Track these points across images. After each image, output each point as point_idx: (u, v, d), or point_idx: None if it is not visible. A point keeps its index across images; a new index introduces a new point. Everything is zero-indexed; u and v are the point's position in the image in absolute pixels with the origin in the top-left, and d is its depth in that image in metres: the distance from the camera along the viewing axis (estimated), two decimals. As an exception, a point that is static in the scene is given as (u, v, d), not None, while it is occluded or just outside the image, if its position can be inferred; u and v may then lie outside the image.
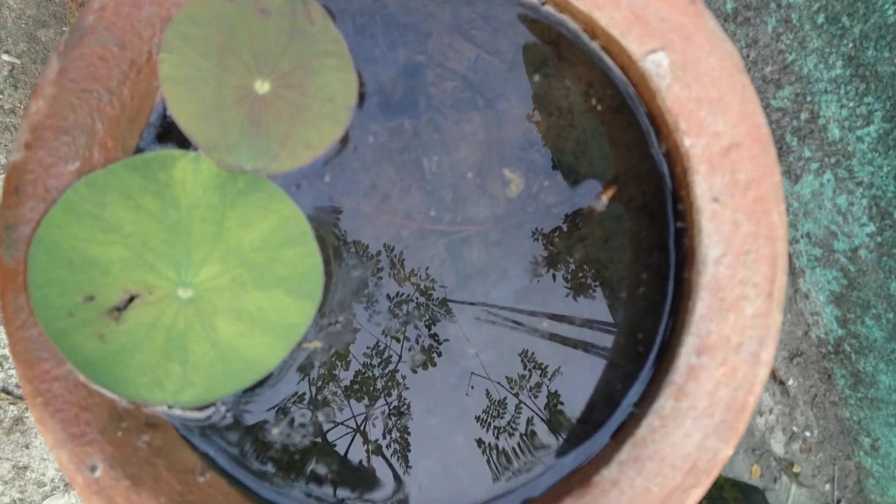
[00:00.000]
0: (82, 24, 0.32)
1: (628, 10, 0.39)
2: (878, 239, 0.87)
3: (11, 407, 0.81)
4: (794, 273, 1.04)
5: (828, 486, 1.11)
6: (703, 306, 0.40)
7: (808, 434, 1.11)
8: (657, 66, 0.39)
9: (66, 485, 0.83)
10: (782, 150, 0.97)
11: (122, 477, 0.33)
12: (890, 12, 0.76)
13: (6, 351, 0.80)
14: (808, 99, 0.90)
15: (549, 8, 0.43)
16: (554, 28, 0.45)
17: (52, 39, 0.84)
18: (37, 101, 0.32)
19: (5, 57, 0.83)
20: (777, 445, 1.10)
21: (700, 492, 0.38)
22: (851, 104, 0.84)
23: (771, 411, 1.10)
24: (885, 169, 0.82)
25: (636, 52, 0.40)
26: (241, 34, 0.36)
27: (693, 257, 0.41)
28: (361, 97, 0.43)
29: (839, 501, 1.12)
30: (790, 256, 1.02)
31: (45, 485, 0.83)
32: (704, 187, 0.40)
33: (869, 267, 0.90)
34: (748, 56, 0.96)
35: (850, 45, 0.81)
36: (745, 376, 0.39)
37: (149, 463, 0.34)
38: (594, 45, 0.43)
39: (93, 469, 0.33)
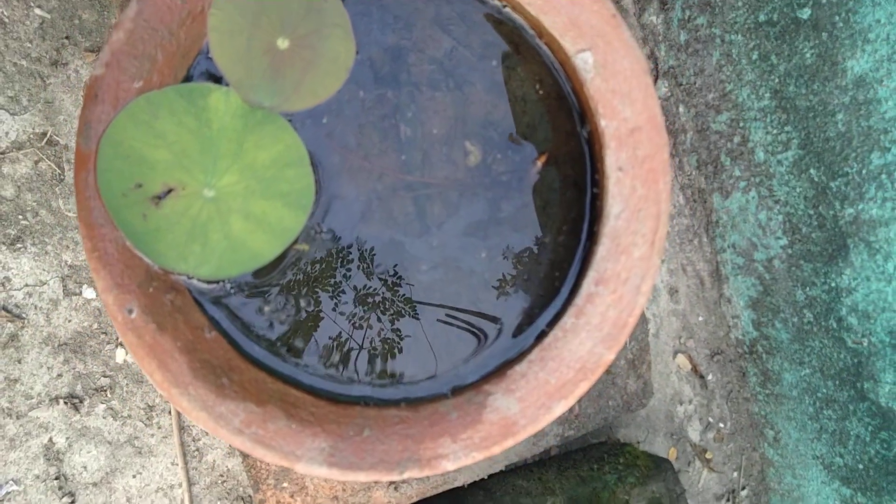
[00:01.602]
0: (157, -20, 0.44)
1: (566, 16, 0.51)
2: (790, 251, 0.98)
3: (9, 324, 0.90)
4: (719, 279, 1.16)
5: (735, 474, 1.22)
6: (603, 249, 0.52)
7: (721, 426, 1.22)
8: (585, 62, 0.52)
9: (50, 399, 0.91)
10: (717, 168, 1.09)
11: (151, 321, 0.44)
12: (808, 55, 0.88)
13: (8, 273, 0.89)
14: (741, 125, 1.02)
15: (508, 10, 0.55)
16: (514, 28, 0.57)
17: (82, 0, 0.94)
18: (118, 32, 0.43)
19: (37, 11, 0.92)
20: (694, 433, 1.21)
21: (586, 385, 0.50)
22: (775, 131, 0.96)
23: (690, 402, 1.22)
24: (798, 189, 0.94)
25: (570, 49, 0.52)
26: (271, 2, 0.48)
27: (601, 213, 0.53)
28: (355, 62, 0.55)
29: (744, 488, 1.22)
30: (718, 265, 1.15)
31: (32, 397, 0.91)
32: (613, 159, 0.52)
33: (781, 276, 1.01)
34: (695, 83, 1.09)
35: (777, 80, 0.94)
36: (628, 302, 0.51)
37: (171, 316, 0.45)
38: (542, 44, 0.56)
39: (130, 311, 0.44)
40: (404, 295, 0.54)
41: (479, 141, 0.60)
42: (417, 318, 0.54)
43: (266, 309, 0.51)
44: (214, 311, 0.49)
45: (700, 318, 1.21)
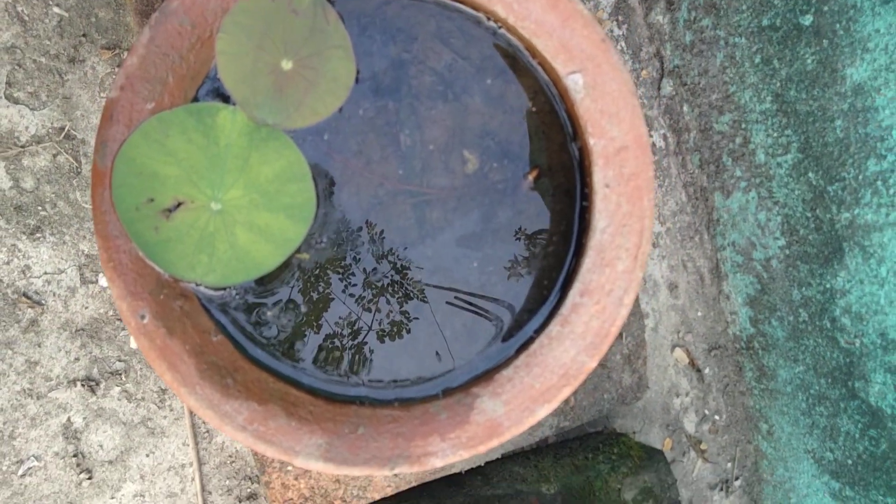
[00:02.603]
0: (168, 7, 0.47)
1: (558, 40, 0.53)
2: (787, 252, 1.00)
3: (29, 310, 0.94)
4: (719, 276, 1.18)
5: (729, 465, 1.25)
6: (589, 262, 0.55)
7: (717, 418, 1.24)
8: (575, 83, 0.54)
9: (68, 382, 0.95)
10: (719, 167, 1.11)
11: (161, 326, 0.48)
12: (809, 61, 0.90)
13: (28, 262, 0.93)
14: (743, 126, 1.03)
15: (503, 32, 0.58)
16: (510, 46, 0.59)
17: (99, -1, 0.96)
18: (132, 58, 0.47)
19: (56, 9, 0.95)
20: (689, 425, 1.24)
21: (569, 390, 0.53)
22: (775, 134, 0.97)
23: (687, 394, 1.24)
24: (797, 192, 0.96)
25: (561, 71, 0.54)
26: (276, 26, 0.51)
27: (588, 227, 0.56)
28: (356, 81, 0.57)
29: (737, 478, 1.25)
30: (718, 262, 1.17)
31: (51, 379, 0.95)
32: (601, 176, 0.55)
33: (778, 275, 1.03)
34: (699, 83, 1.10)
35: (778, 84, 0.95)
36: (611, 313, 0.54)
37: (180, 321, 0.49)
38: (535, 63, 0.58)
39: (142, 317, 0.47)
40: (400, 300, 0.57)
41: (478, 150, 0.62)
42: (412, 322, 0.57)
43: (269, 314, 0.54)
44: (220, 316, 0.53)
45: (699, 314, 1.23)
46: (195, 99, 0.51)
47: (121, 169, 0.47)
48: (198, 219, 0.50)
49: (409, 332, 0.57)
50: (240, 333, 0.53)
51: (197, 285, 0.52)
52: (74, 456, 0.98)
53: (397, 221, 0.58)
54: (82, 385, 0.97)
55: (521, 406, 0.52)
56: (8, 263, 0.94)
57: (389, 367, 0.56)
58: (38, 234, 0.94)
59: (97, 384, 0.98)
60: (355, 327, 0.56)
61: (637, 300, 1.02)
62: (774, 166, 1.00)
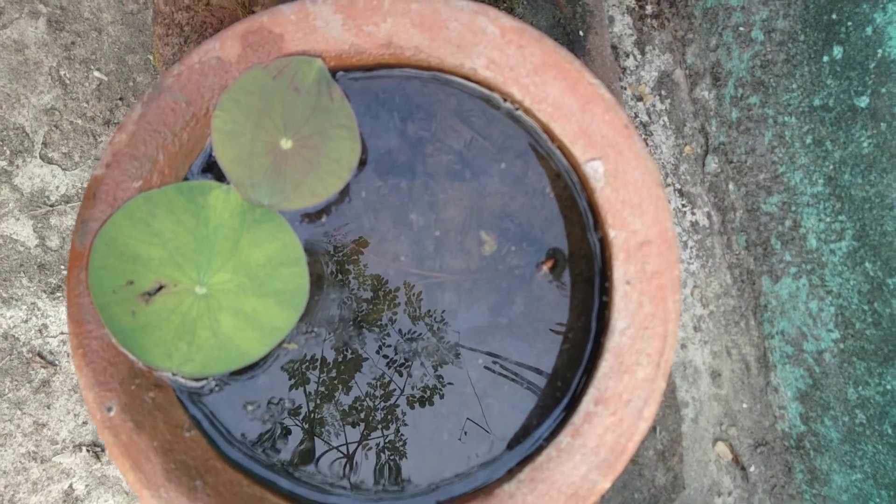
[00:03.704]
0: (162, 83, 0.45)
1: (577, 125, 0.49)
2: (841, 346, 0.93)
3: (42, 370, 0.93)
4: (766, 366, 1.10)
5: (777, 577, 1.14)
6: (606, 366, 0.49)
7: (764, 522, 1.14)
8: (595, 171, 0.50)
9: (74, 447, 0.93)
10: (767, 250, 1.04)
11: (129, 420, 0.44)
12: (865, 144, 0.84)
13: (46, 321, 0.92)
14: (793, 209, 0.97)
15: (520, 113, 0.54)
16: (529, 128, 0.56)
17: (137, 64, 0.98)
18: (120, 134, 0.45)
19: (96, 73, 0.97)
20: (733, 528, 1.14)
21: (576, 515, 0.47)
22: (828, 219, 0.91)
23: (730, 494, 1.15)
24: (852, 282, 0.89)
25: (580, 157, 0.50)
26: (276, 104, 0.48)
27: (607, 326, 0.51)
28: (363, 162, 0.54)
29: None
30: (765, 351, 1.09)
31: (57, 443, 0.93)
32: (621, 271, 0.50)
33: (831, 370, 0.96)
34: (746, 162, 1.05)
35: (831, 166, 0.89)
36: (628, 426, 0.48)
37: (150, 414, 0.45)
38: (554, 147, 0.54)
39: (109, 409, 0.44)
40: (396, 399, 0.53)
41: (496, 231, 0.58)
42: (408, 425, 0.52)
43: (249, 408, 0.50)
44: (196, 410, 0.49)
45: (744, 406, 1.14)
46: (186, 178, 0.49)
47: (100, 250, 0.44)
48: (180, 303, 0.47)
49: (403, 435, 0.52)
50: (215, 430, 0.49)
51: (173, 375, 0.48)
52: (74, 525, 0.95)
53: (398, 309, 0.54)
54: (87, 451, 0.95)
55: (521, 530, 0.46)
56: (26, 322, 0.93)
57: (379, 473, 0.51)
58: (58, 294, 0.94)
59: (102, 450, 0.95)
60: (344, 427, 0.51)
61: (674, 389, 0.95)
62: (827, 253, 0.93)
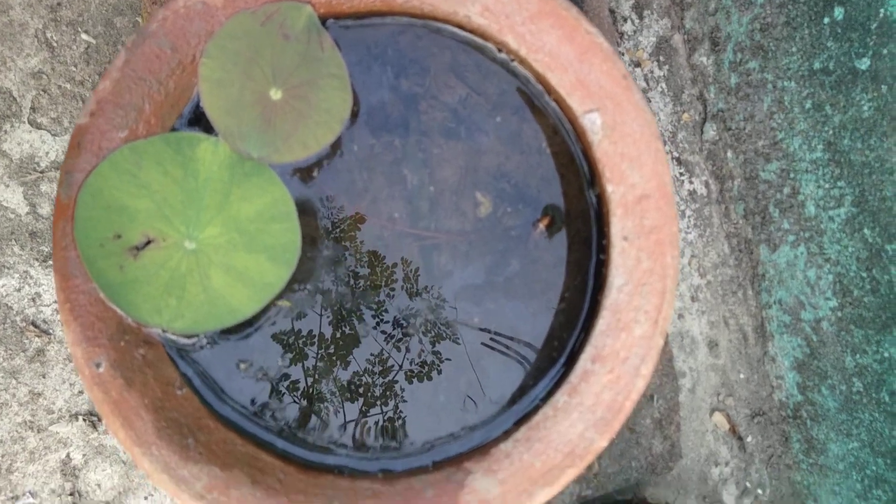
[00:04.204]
0: (147, 29, 0.43)
1: (574, 75, 0.48)
2: (839, 314, 0.92)
3: (36, 339, 0.92)
4: (764, 336, 1.10)
5: (773, 545, 1.14)
6: (603, 323, 0.48)
7: (759, 492, 1.14)
8: (592, 123, 0.48)
9: (70, 416, 0.92)
10: (765, 219, 1.03)
11: (119, 376, 0.43)
12: (865, 108, 0.83)
13: (39, 289, 0.91)
14: (792, 175, 0.96)
15: (516, 64, 0.53)
16: (525, 82, 0.54)
17: (126, 26, 0.96)
18: (104, 82, 0.43)
19: (84, 36, 0.95)
20: (729, 498, 1.14)
21: (574, 472, 0.46)
22: (827, 185, 0.90)
23: (727, 464, 1.15)
24: (850, 249, 0.88)
25: (577, 109, 0.49)
26: (265, 51, 0.47)
27: (604, 284, 0.50)
28: (354, 115, 0.53)
29: None
30: (763, 320, 1.09)
31: (53, 412, 0.92)
32: (619, 227, 0.49)
33: (829, 339, 0.95)
34: (744, 129, 1.03)
35: (830, 131, 0.88)
36: (625, 384, 0.47)
37: (140, 371, 0.44)
38: (551, 101, 0.53)
39: (98, 366, 0.43)
40: (392, 358, 0.52)
41: (492, 192, 0.57)
42: (403, 384, 0.51)
43: (242, 366, 0.49)
44: (187, 367, 0.48)
45: (741, 376, 1.14)
46: (174, 129, 0.48)
47: (85, 201, 0.43)
48: (169, 258, 0.46)
49: (399, 394, 0.51)
50: (207, 388, 0.48)
51: (163, 332, 0.47)
52: (71, 494, 0.95)
53: (392, 268, 0.53)
54: (84, 420, 0.94)
55: (517, 487, 0.46)
56: (19, 290, 0.92)
57: (376, 431, 0.50)
58: (51, 262, 0.92)
59: (99, 420, 0.94)
60: (340, 385, 0.50)
61: (671, 359, 0.94)
62: (826, 220, 0.93)
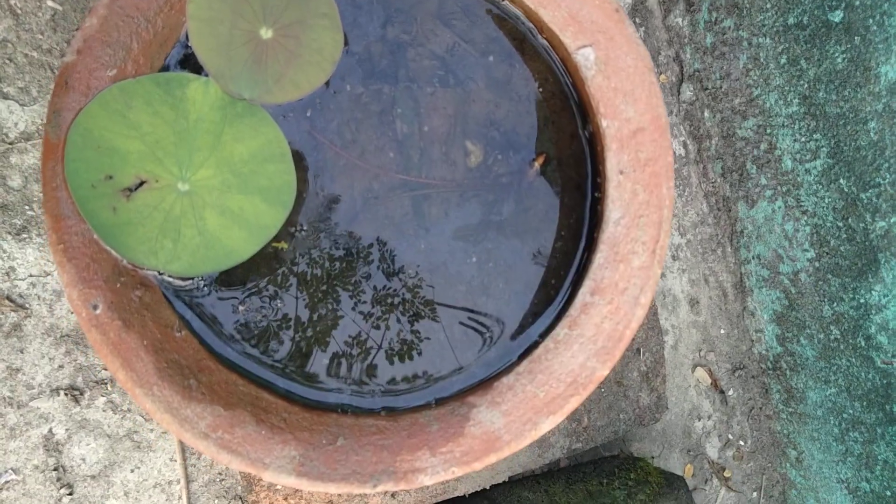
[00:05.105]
0: (133, -36, 0.42)
1: (566, 10, 0.48)
2: (817, 264, 0.94)
3: (12, 314, 0.89)
4: (743, 291, 1.12)
5: (755, 494, 1.17)
6: (601, 257, 0.49)
7: (741, 443, 1.17)
8: (586, 59, 0.49)
9: (51, 391, 0.91)
10: (743, 176, 1.05)
11: (117, 318, 0.42)
12: (839, 60, 0.84)
13: (13, 263, 0.89)
14: (768, 131, 0.98)
15: (507, 4, 0.52)
16: (516, 24, 0.54)
17: (96, -7, 0.93)
18: (91, 18, 0.42)
19: (49, 3, 0.92)
20: (712, 450, 1.16)
21: (577, 400, 0.47)
22: (803, 139, 0.92)
23: (709, 417, 1.17)
24: (826, 200, 0.90)
25: (571, 46, 0.49)
26: (255, -10, 0.46)
27: (601, 219, 0.50)
28: (345, 53, 0.52)
29: None
30: (742, 276, 1.10)
31: (33, 388, 0.91)
32: (614, 161, 0.49)
33: (807, 290, 0.97)
34: (721, 87, 1.04)
35: (806, 85, 0.89)
36: (625, 314, 0.48)
37: (138, 313, 0.44)
38: (543, 40, 0.53)
39: (94, 307, 0.42)
40: (391, 298, 0.52)
41: (482, 140, 0.57)
42: (402, 323, 0.51)
43: (241, 308, 0.49)
44: (185, 310, 0.47)
45: (722, 331, 1.16)
46: (163, 68, 0.47)
47: (76, 141, 0.42)
48: (162, 200, 0.45)
49: (398, 332, 0.51)
50: (207, 329, 0.47)
51: (160, 274, 0.46)
52: (55, 469, 0.93)
53: (390, 212, 0.53)
54: (66, 394, 0.92)
55: (522, 417, 0.46)
56: (-8, 265, 0.90)
57: (376, 370, 0.50)
58: (24, 235, 0.90)
59: (81, 393, 0.93)
60: (338, 326, 0.50)
61: (656, 315, 0.96)
62: (802, 173, 0.94)
